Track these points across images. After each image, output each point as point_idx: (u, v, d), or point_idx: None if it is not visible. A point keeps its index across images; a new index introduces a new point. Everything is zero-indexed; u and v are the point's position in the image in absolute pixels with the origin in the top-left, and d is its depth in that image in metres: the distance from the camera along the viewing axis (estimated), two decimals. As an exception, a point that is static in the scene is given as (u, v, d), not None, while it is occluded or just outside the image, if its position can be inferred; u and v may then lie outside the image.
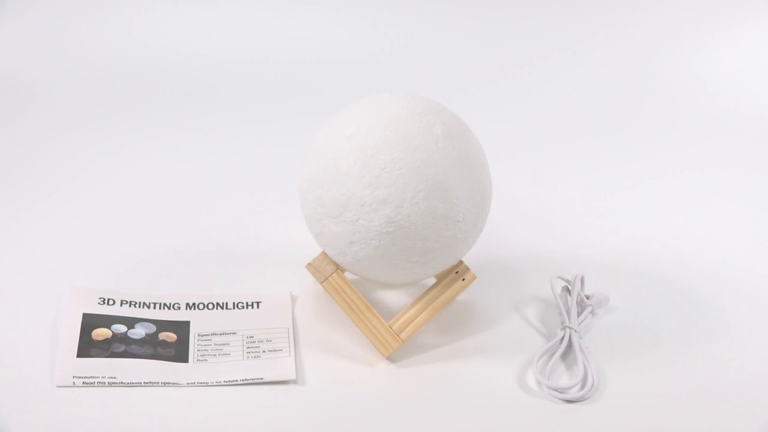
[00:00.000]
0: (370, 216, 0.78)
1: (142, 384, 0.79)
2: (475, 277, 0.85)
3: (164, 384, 0.80)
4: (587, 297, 0.89)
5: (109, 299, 0.87)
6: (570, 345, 0.85)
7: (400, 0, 1.32)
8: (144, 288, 0.89)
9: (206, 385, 0.80)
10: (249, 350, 0.84)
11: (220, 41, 1.29)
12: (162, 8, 1.30)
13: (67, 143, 1.13)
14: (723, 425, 0.78)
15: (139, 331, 0.84)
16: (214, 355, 0.83)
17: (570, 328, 0.85)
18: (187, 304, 0.88)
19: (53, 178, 1.06)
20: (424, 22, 1.32)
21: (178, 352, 0.83)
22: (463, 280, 0.85)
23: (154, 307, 0.87)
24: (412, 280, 0.83)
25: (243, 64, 1.28)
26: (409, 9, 1.32)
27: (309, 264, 0.85)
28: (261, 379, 0.81)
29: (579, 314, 0.87)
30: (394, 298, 0.91)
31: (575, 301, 0.87)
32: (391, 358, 0.84)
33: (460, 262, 0.85)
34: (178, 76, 1.25)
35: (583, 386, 0.81)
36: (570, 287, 0.88)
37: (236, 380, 0.81)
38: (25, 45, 1.25)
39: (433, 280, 0.88)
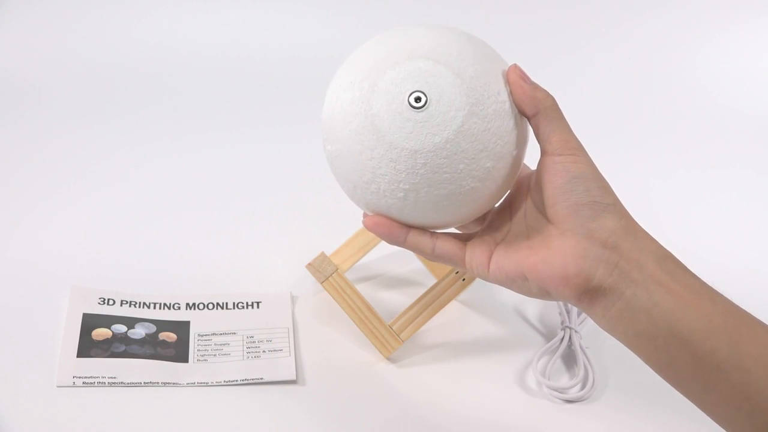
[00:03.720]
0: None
1: (142, 384, 0.79)
2: (476, 278, 0.85)
3: (164, 384, 0.80)
4: (587, 297, 0.89)
5: (109, 299, 0.87)
6: (570, 345, 0.85)
7: (404, 8, 1.32)
8: (144, 288, 0.89)
9: (206, 385, 0.80)
10: (249, 350, 0.84)
11: (226, 41, 1.29)
12: (167, 7, 1.30)
13: (68, 144, 1.12)
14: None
15: (139, 331, 0.84)
16: (214, 355, 0.83)
17: (570, 328, 0.85)
18: (187, 304, 0.88)
19: (54, 178, 1.06)
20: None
21: (178, 352, 0.83)
22: (463, 280, 0.85)
23: (154, 307, 0.87)
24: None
25: (247, 64, 1.27)
26: (411, 16, 1.32)
27: (309, 264, 0.85)
28: (261, 379, 0.81)
29: (579, 314, 0.87)
30: (394, 298, 0.91)
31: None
32: (391, 359, 0.84)
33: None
34: (180, 76, 1.25)
35: (583, 386, 0.81)
36: (570, 287, 0.88)
37: (236, 380, 0.81)
38: (28, 44, 1.25)
39: (433, 280, 0.88)
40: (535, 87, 0.68)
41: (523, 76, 0.68)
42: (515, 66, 0.69)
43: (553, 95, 0.68)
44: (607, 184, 0.67)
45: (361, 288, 0.86)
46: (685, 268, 0.65)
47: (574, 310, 0.86)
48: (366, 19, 1.31)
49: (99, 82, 1.23)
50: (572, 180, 0.65)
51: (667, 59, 1.29)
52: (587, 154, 0.68)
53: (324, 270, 0.84)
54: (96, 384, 0.79)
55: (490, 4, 1.32)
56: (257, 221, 1.01)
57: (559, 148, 0.67)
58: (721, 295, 0.64)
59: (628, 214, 0.67)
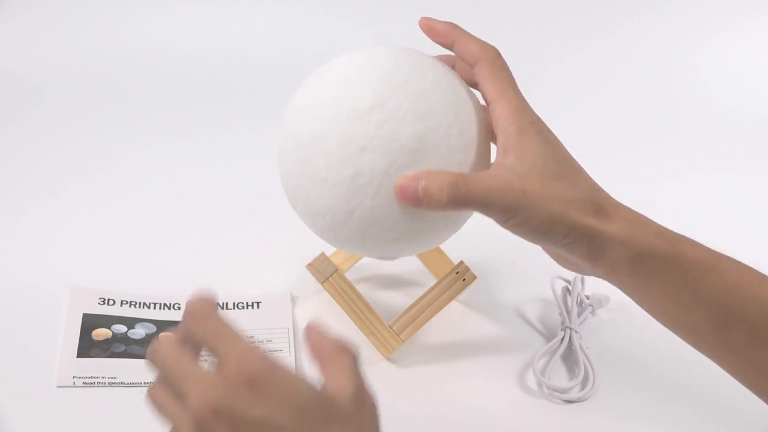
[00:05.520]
0: (399, 126, 0.68)
1: (142, 384, 0.79)
2: (476, 278, 0.85)
3: (164, 384, 0.80)
4: (587, 297, 0.89)
5: (109, 299, 0.87)
6: (570, 345, 0.85)
7: (403, 8, 1.32)
8: (144, 288, 0.89)
9: (206, 385, 0.80)
10: (249, 350, 0.84)
11: (229, 41, 1.29)
12: (170, 7, 1.30)
13: (68, 144, 1.12)
14: (724, 426, 0.78)
15: (139, 331, 0.84)
16: (214, 355, 0.83)
17: (570, 328, 0.85)
18: (187, 304, 0.88)
19: (54, 178, 1.06)
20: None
21: (178, 352, 0.83)
22: (464, 280, 0.85)
23: (154, 307, 0.87)
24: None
25: (249, 64, 1.27)
26: (410, 17, 1.32)
27: (309, 264, 0.85)
28: (261, 379, 0.81)
29: (579, 314, 0.87)
30: (395, 298, 0.91)
31: (575, 301, 0.87)
32: (392, 359, 0.84)
33: (461, 263, 0.86)
34: (182, 77, 1.25)
35: (583, 386, 0.81)
36: (570, 287, 0.88)
37: (236, 380, 0.80)
38: (29, 44, 1.25)
39: (433, 280, 0.87)
40: None
41: None
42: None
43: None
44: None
45: (361, 288, 0.86)
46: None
47: (575, 310, 0.86)
48: (370, 19, 1.31)
49: (100, 82, 1.23)
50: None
51: (668, 60, 1.29)
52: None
53: (324, 270, 0.84)
54: (96, 384, 0.79)
55: (491, 6, 1.32)
56: (257, 221, 1.01)
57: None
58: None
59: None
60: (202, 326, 0.52)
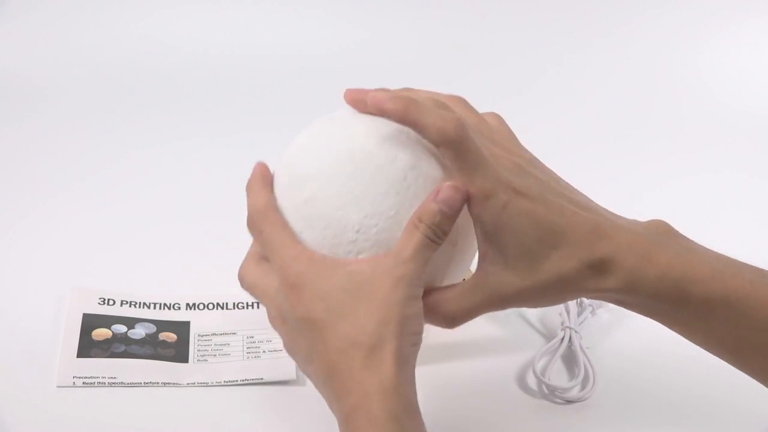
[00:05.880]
0: None
1: (142, 384, 0.79)
2: (475, 277, 0.85)
3: (164, 384, 0.80)
4: (587, 297, 0.89)
5: (109, 299, 0.87)
6: (570, 345, 0.85)
7: (402, 12, 1.32)
8: (144, 288, 0.89)
9: (206, 385, 0.80)
10: (249, 350, 0.84)
11: (234, 40, 1.29)
12: (175, 5, 1.30)
13: (69, 144, 1.13)
14: (724, 425, 0.78)
15: (139, 332, 0.84)
16: (214, 355, 0.83)
17: (570, 328, 0.85)
18: (187, 304, 0.88)
19: (55, 178, 1.06)
20: (429, 34, 1.31)
21: (178, 352, 0.83)
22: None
23: (154, 307, 0.87)
24: None
25: (254, 64, 1.27)
26: (408, 20, 1.32)
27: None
28: (261, 379, 0.81)
29: (579, 314, 0.87)
30: (394, 298, 0.91)
31: (575, 301, 0.87)
32: (391, 358, 0.84)
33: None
34: (186, 77, 1.25)
35: (583, 386, 0.81)
36: (570, 287, 0.88)
37: (236, 380, 0.81)
38: (31, 43, 1.25)
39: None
40: None
41: None
42: None
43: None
44: None
45: (361, 288, 0.86)
46: None
47: (574, 310, 0.86)
48: (370, 19, 1.31)
49: (101, 82, 1.23)
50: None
51: (668, 60, 1.29)
52: None
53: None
54: (96, 384, 0.79)
55: (491, 6, 1.31)
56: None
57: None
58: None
59: None
60: (257, 236, 0.65)
